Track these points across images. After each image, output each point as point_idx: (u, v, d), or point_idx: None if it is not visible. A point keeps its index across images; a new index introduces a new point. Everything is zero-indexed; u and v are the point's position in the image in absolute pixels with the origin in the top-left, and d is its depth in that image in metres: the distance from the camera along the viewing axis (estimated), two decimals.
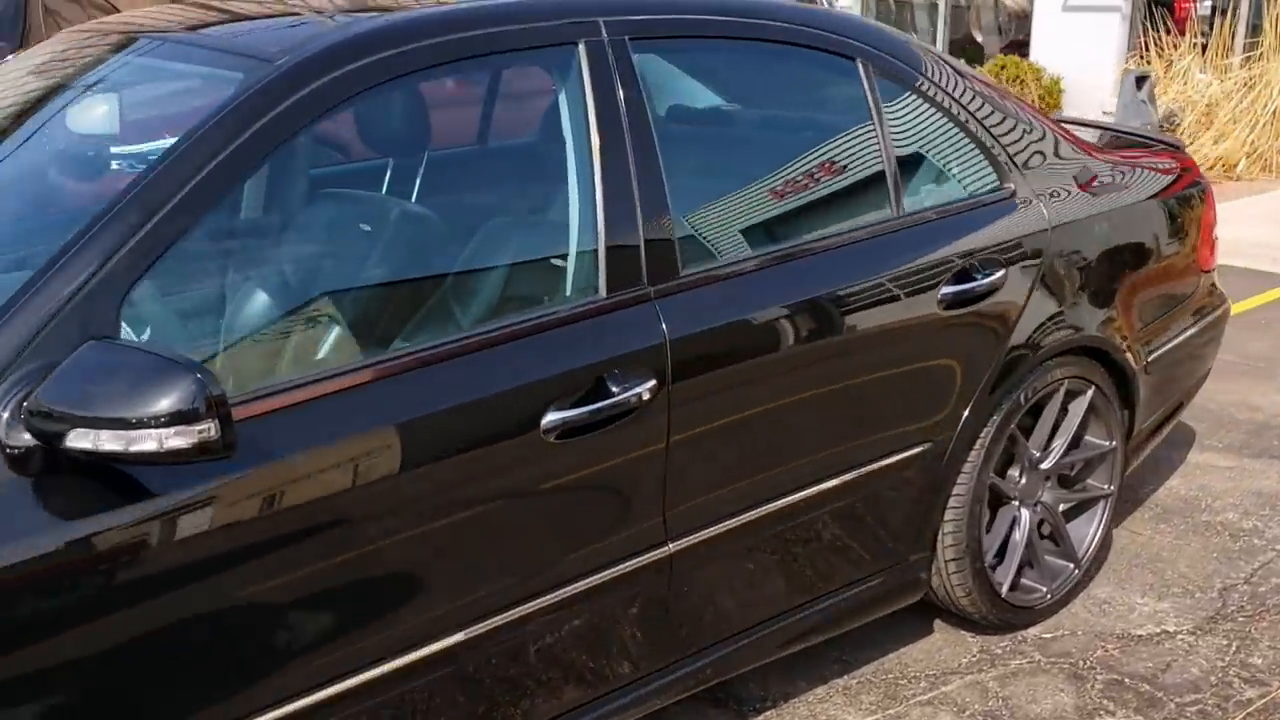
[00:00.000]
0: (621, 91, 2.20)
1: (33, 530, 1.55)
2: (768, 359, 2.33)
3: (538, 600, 2.06)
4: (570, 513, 2.09)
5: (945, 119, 2.74)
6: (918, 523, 2.71)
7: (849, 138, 2.60)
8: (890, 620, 2.99)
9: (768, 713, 2.73)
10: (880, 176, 2.59)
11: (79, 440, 1.51)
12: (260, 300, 1.95)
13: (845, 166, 2.60)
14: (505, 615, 2.04)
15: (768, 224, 2.50)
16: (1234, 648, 2.96)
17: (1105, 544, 3.44)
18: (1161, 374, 3.27)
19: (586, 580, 2.12)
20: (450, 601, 1.98)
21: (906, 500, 2.66)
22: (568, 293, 2.15)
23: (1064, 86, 11.80)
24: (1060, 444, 3.01)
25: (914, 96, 2.69)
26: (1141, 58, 10.63)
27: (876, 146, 2.59)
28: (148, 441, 1.49)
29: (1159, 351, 3.23)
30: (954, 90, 2.77)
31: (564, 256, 2.17)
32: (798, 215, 2.54)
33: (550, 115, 2.22)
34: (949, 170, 2.78)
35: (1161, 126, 10.00)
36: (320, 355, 1.95)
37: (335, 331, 1.96)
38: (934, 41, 13.63)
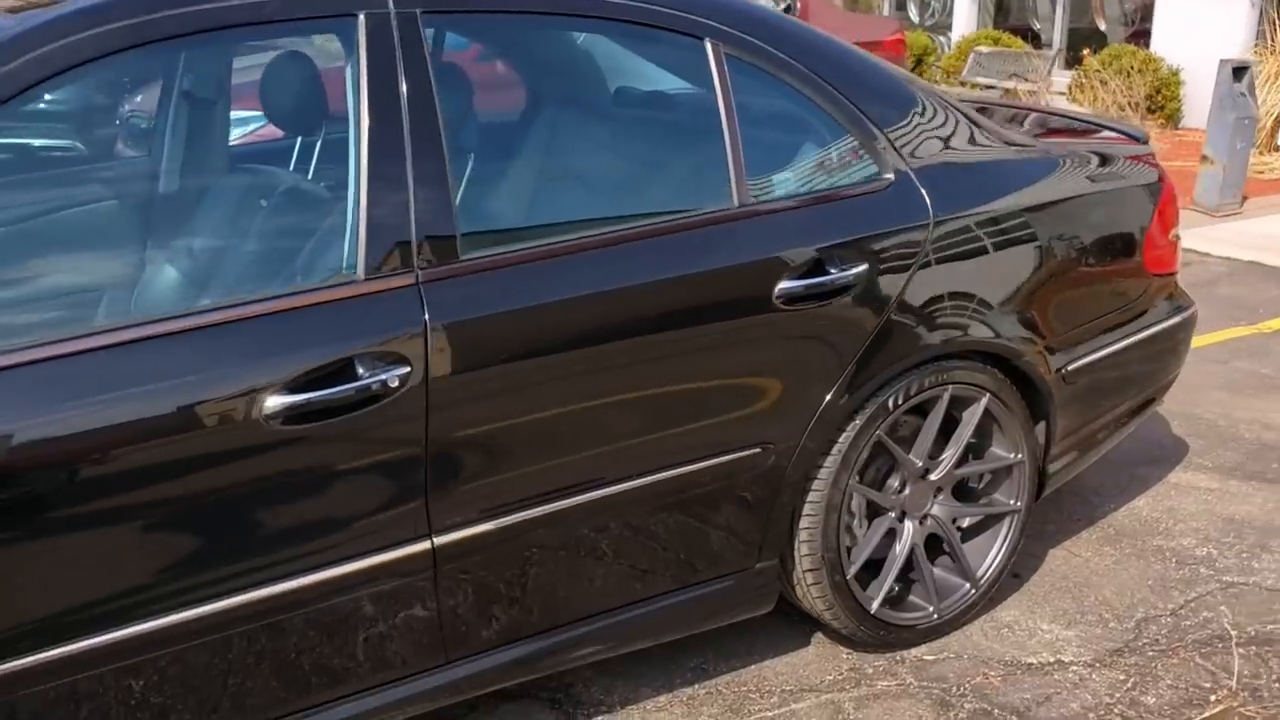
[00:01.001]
0: (403, 68, 2.12)
1: None
2: (556, 352, 2.21)
3: (262, 590, 2.01)
4: (308, 500, 2.03)
5: (815, 104, 2.57)
6: (759, 529, 2.56)
7: (684, 123, 2.46)
8: (766, 630, 2.87)
9: (599, 718, 2.63)
10: (719, 165, 2.44)
11: None
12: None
13: (675, 154, 2.46)
14: (227, 601, 1.99)
15: (576, 212, 2.38)
16: (1130, 683, 2.72)
17: (1039, 566, 3.22)
18: (1091, 384, 3.02)
19: (327, 571, 2.06)
20: (174, 583, 1.95)
21: (741, 504, 2.51)
22: (318, 274, 2.09)
23: (1183, 79, 11.16)
24: (951, 454, 2.81)
25: (777, 80, 2.53)
26: (1268, 48, 9.93)
27: (716, 133, 2.43)
28: None
29: (1085, 359, 2.98)
30: (829, 73, 2.59)
31: (316, 236, 2.11)
32: (610, 203, 2.41)
33: (323, 89, 2.16)
34: (813, 158, 2.61)
35: None
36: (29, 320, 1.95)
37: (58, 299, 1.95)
38: (1053, 29, 13.07)
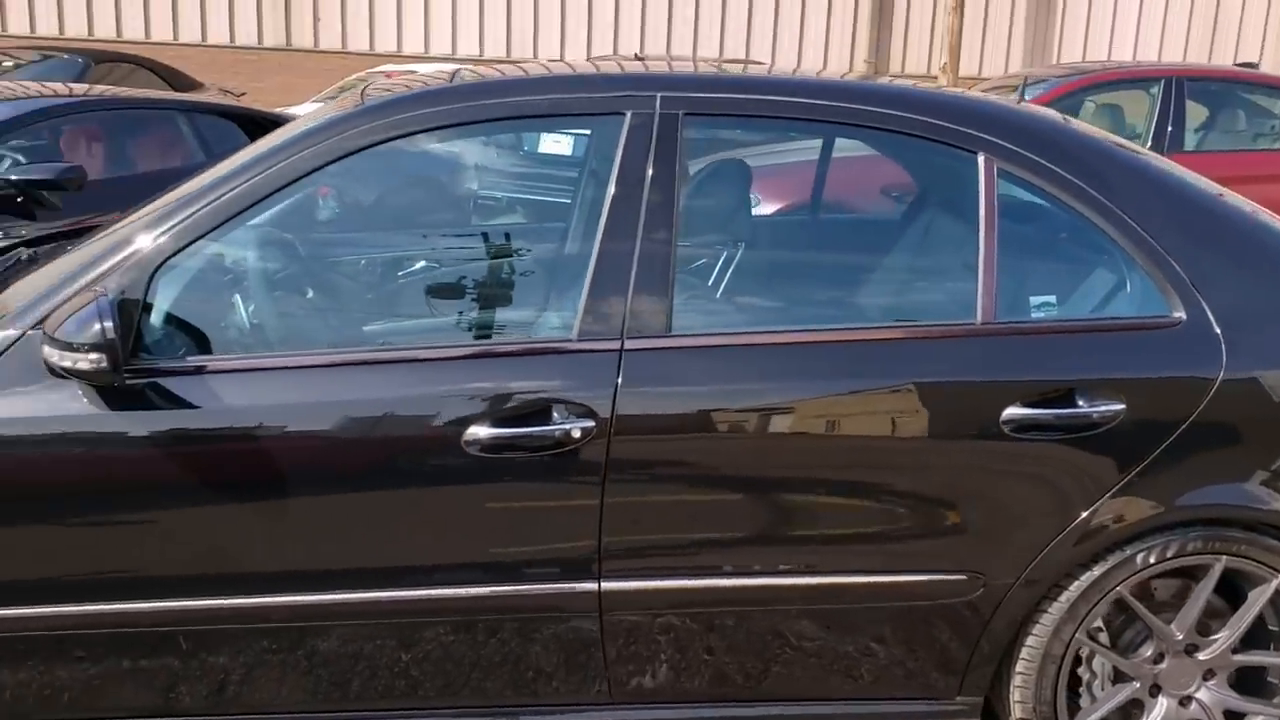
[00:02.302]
0: (653, 159, 2.36)
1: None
2: (749, 438, 2.30)
3: (438, 590, 2.30)
4: (486, 521, 2.29)
5: (1097, 226, 2.41)
6: (961, 660, 2.43)
7: (938, 233, 2.43)
8: None
9: None
10: (969, 279, 2.38)
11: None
12: (276, 290, 2.47)
13: (921, 263, 2.43)
14: (404, 593, 2.30)
15: (799, 309, 2.44)
16: None
17: None
18: None
19: (493, 587, 2.31)
20: (357, 566, 2.28)
21: (942, 630, 2.40)
22: (540, 329, 2.37)
23: None
24: (1227, 635, 2.47)
25: (1055, 198, 2.42)
26: None
27: (972, 247, 2.38)
28: (66, 360, 2.08)
29: None
30: (1119, 195, 2.42)
31: (548, 298, 2.39)
32: (838, 305, 2.44)
33: (585, 169, 2.45)
34: (1087, 284, 2.45)
35: None
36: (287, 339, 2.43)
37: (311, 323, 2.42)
38: None
